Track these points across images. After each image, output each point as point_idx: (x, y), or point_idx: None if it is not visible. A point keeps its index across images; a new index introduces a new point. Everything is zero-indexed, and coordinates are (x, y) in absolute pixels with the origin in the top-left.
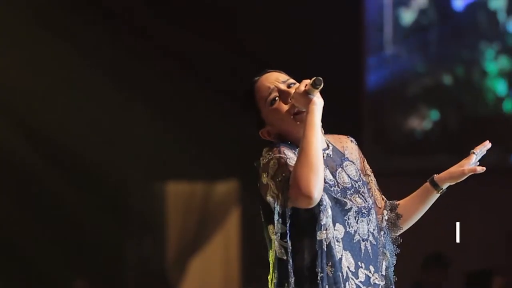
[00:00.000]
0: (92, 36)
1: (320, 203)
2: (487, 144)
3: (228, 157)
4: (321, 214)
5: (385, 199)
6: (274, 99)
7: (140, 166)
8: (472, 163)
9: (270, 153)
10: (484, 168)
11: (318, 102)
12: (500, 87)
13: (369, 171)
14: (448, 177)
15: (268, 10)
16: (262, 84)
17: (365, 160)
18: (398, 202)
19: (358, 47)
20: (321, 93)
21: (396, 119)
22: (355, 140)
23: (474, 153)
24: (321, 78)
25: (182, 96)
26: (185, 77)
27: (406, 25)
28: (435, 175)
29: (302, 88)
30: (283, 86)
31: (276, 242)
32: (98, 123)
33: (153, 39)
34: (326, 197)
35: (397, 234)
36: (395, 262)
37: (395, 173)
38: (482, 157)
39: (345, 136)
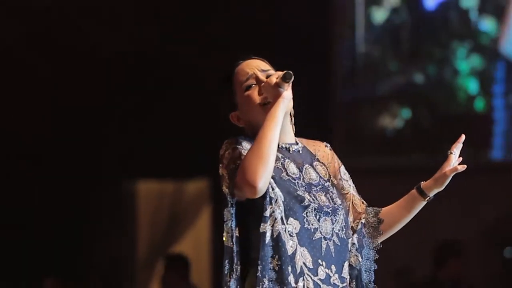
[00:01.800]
0: None
1: (265, 195)
2: (461, 139)
3: (199, 156)
4: (266, 206)
5: (365, 203)
6: (250, 86)
7: (110, 165)
8: (452, 164)
9: (228, 144)
10: (465, 166)
11: (286, 96)
12: (472, 85)
13: (346, 176)
14: (433, 184)
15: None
16: (242, 68)
17: (343, 166)
18: (381, 209)
19: (330, 46)
20: (293, 89)
21: (367, 118)
22: (330, 145)
23: (451, 153)
24: (291, 72)
25: (151, 94)
26: (152, 75)
27: (378, 24)
28: (422, 182)
29: (273, 80)
30: (261, 75)
31: (224, 230)
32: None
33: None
34: (277, 190)
35: (377, 239)
36: (373, 267)
37: (367, 172)
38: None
39: (321, 142)
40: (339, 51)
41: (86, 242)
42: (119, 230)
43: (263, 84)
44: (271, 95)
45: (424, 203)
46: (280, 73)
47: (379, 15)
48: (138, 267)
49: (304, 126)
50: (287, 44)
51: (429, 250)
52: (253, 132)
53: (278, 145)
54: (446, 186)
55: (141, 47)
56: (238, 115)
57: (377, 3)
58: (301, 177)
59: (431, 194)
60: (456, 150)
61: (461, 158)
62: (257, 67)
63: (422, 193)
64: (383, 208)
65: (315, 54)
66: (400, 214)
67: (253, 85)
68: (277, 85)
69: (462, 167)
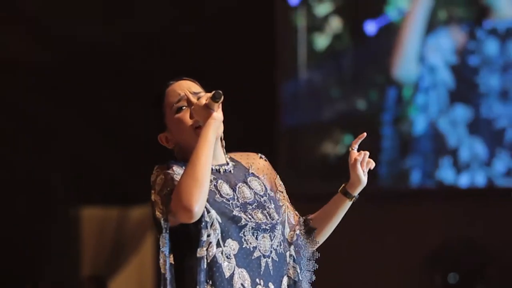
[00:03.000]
0: None
1: (200, 220)
2: (363, 136)
3: (143, 182)
4: (202, 231)
5: (298, 214)
6: (180, 108)
7: (55, 191)
8: (354, 157)
9: (159, 170)
10: (367, 153)
11: (216, 117)
12: (414, 111)
13: (281, 188)
14: (352, 183)
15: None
16: (173, 89)
17: (278, 177)
18: (311, 217)
19: (272, 72)
20: (237, 115)
21: (310, 144)
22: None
23: (352, 149)
24: (220, 92)
25: (96, 121)
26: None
27: (321, 50)
28: (345, 183)
29: (203, 101)
30: (192, 97)
31: (160, 257)
32: None
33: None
34: (213, 212)
35: (314, 249)
36: (313, 278)
37: (309, 198)
38: (405, 179)
39: (254, 153)
40: (282, 77)
41: (31, 267)
42: (64, 255)
43: (193, 107)
44: (202, 117)
45: (350, 203)
46: (210, 94)
47: (321, 41)
48: None
49: (247, 151)
50: (230, 69)
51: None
52: (183, 155)
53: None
54: (392, 213)
55: None
56: (167, 137)
57: (319, 30)
58: (235, 197)
59: (355, 193)
60: (356, 145)
61: (366, 154)
62: (188, 88)
63: (347, 194)
64: (312, 216)
65: (257, 80)
66: (330, 219)
67: (184, 107)
68: (207, 106)
69: (359, 155)
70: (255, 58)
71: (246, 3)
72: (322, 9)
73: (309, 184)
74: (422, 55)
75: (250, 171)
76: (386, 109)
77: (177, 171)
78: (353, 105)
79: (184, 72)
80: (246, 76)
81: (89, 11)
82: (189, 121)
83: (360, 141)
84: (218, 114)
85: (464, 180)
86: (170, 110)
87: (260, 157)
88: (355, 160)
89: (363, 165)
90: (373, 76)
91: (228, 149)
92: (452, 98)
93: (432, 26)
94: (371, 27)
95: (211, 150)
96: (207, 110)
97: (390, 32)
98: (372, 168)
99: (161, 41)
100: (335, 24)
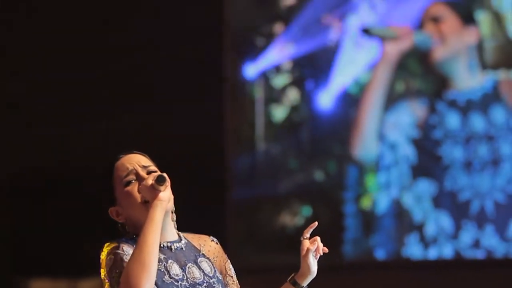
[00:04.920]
0: None
1: None
2: (314, 225)
3: (92, 254)
4: None
5: None
6: (130, 182)
7: (2, 262)
8: (306, 247)
9: (109, 248)
10: (318, 238)
11: (163, 197)
12: (371, 181)
13: (230, 272)
14: (301, 273)
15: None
16: (122, 163)
17: (228, 261)
18: None
19: (228, 144)
20: (190, 188)
21: (268, 216)
22: (218, 240)
23: (304, 238)
24: (164, 176)
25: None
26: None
27: (278, 122)
28: (294, 273)
29: (149, 182)
30: (141, 171)
31: None
32: None
33: None
34: None
35: None
36: None
37: (267, 270)
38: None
39: (206, 236)
40: (239, 149)
41: None
42: None
43: (140, 185)
44: (148, 196)
45: None
46: (156, 174)
47: (279, 113)
48: None
49: (203, 224)
50: (184, 143)
51: None
52: (134, 229)
53: (160, 245)
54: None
55: None
56: (117, 210)
57: (277, 101)
58: (185, 278)
59: (304, 283)
60: (308, 234)
61: (317, 240)
62: (137, 162)
63: (295, 284)
64: None
65: (213, 152)
66: None
67: (133, 181)
68: (153, 187)
69: (312, 245)
70: (210, 131)
71: (197, 76)
72: (279, 81)
73: (267, 256)
74: (381, 132)
75: (201, 252)
76: (347, 188)
77: (127, 251)
78: (311, 177)
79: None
80: (199, 148)
81: None
82: (138, 195)
83: (311, 230)
84: (164, 194)
85: (432, 254)
86: (119, 184)
87: (212, 240)
88: (308, 250)
89: (316, 254)
90: (331, 147)
91: (181, 224)
92: (415, 173)
93: (391, 99)
94: (327, 99)
95: (158, 232)
96: (153, 190)
97: (347, 103)
98: (326, 251)
99: None
100: (293, 95)
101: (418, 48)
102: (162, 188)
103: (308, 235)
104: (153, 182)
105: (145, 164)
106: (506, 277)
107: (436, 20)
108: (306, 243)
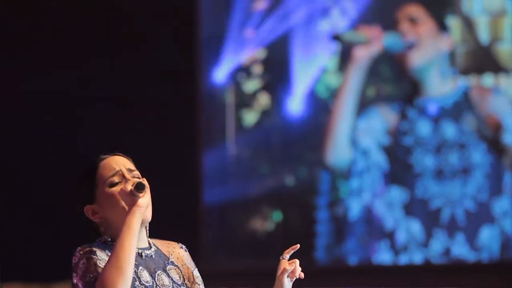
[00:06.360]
0: None
1: None
2: (296, 248)
3: (64, 258)
4: None
5: None
6: (115, 183)
7: None
8: (283, 267)
9: (82, 252)
10: (298, 260)
11: (141, 204)
12: (348, 196)
13: (198, 280)
14: None
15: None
16: (109, 163)
17: (196, 269)
18: None
19: (198, 149)
20: (160, 193)
21: (238, 220)
22: (188, 246)
23: (283, 258)
24: (143, 183)
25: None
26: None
27: (249, 126)
28: None
29: (128, 187)
30: (128, 175)
31: None
32: None
33: None
34: None
35: None
36: None
37: (238, 275)
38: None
39: (175, 242)
40: (209, 154)
41: None
42: None
43: (119, 191)
44: (127, 202)
45: None
46: (136, 180)
47: (250, 117)
48: None
49: (173, 229)
50: (156, 145)
51: None
52: (108, 230)
53: None
54: None
55: None
56: (94, 209)
57: (248, 106)
58: (154, 284)
59: None
60: (288, 255)
61: (296, 262)
62: (124, 165)
63: None
64: None
65: (183, 155)
66: None
67: (119, 183)
68: (132, 193)
69: (290, 265)
70: (180, 134)
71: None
72: (250, 86)
73: (238, 261)
74: (353, 139)
75: (170, 259)
76: (319, 193)
77: (100, 255)
78: (282, 181)
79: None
80: (170, 153)
81: None
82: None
83: (292, 252)
84: (143, 200)
85: (402, 262)
86: (103, 184)
87: (181, 247)
88: (284, 270)
89: (292, 276)
90: (302, 152)
91: (151, 228)
92: (386, 180)
93: (362, 104)
94: (297, 103)
95: (135, 239)
96: (132, 196)
97: (318, 108)
98: (302, 277)
99: None
100: (263, 100)
101: (389, 51)
102: (141, 194)
103: (288, 256)
104: (132, 188)
105: (131, 168)
106: (475, 283)
107: (413, 20)
108: (284, 263)
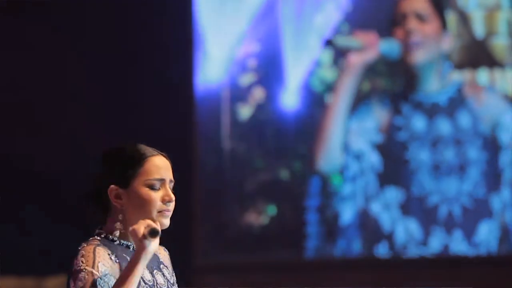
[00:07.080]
0: None
1: None
2: None
3: (58, 252)
4: None
5: None
6: (154, 188)
7: None
8: None
9: (83, 260)
10: None
11: (150, 250)
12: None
13: (174, 282)
14: None
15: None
16: (159, 165)
17: (174, 274)
18: None
19: (193, 142)
20: None
21: (233, 215)
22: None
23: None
24: (158, 230)
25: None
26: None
27: (244, 120)
28: None
29: (141, 230)
30: (168, 187)
31: None
32: None
33: None
34: None
35: None
36: None
37: (232, 269)
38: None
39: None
40: (204, 148)
41: None
42: None
43: (131, 229)
44: (135, 243)
45: None
46: (150, 223)
47: (244, 111)
48: None
49: (169, 228)
50: (150, 139)
51: None
52: (122, 222)
53: (130, 248)
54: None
55: None
56: (121, 195)
57: (242, 100)
58: (155, 283)
59: None
60: None
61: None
62: (169, 175)
63: None
64: None
65: (178, 150)
66: None
67: (157, 190)
68: (144, 237)
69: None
70: (175, 128)
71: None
72: (245, 80)
73: (232, 256)
74: (346, 143)
75: (160, 259)
76: (311, 197)
77: (103, 269)
78: (277, 175)
79: None
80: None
81: None
82: (156, 204)
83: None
84: (153, 247)
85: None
86: (144, 179)
87: (165, 250)
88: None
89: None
90: (296, 147)
91: None
92: (381, 181)
93: (356, 103)
94: (292, 97)
95: (136, 282)
96: (143, 240)
97: (313, 102)
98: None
99: None
100: (258, 94)
101: (385, 58)
102: (152, 239)
103: None
104: (146, 233)
105: (171, 179)
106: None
107: (420, 18)
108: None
